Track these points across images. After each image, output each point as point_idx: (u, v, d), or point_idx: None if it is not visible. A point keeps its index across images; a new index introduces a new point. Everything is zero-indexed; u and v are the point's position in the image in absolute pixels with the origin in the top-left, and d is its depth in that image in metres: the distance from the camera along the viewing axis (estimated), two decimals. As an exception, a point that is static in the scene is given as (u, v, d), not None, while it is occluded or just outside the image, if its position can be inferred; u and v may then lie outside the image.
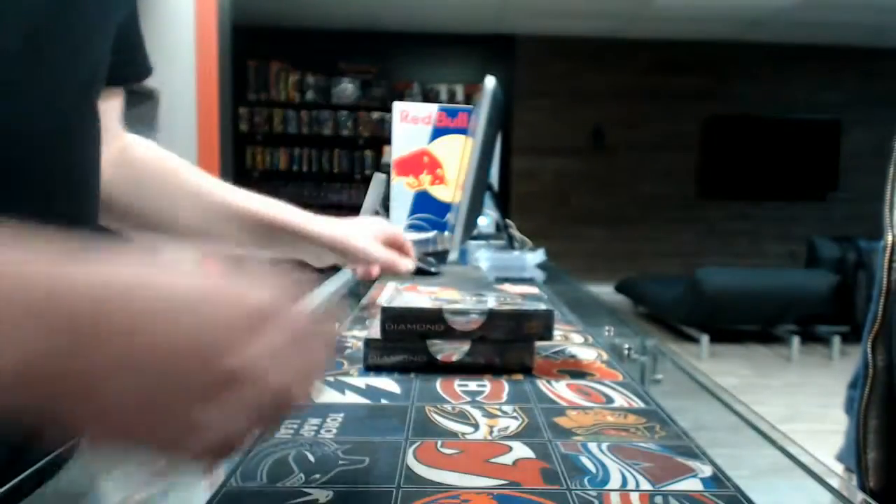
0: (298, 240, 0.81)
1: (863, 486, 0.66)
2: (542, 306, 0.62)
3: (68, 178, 0.51)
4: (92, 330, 0.27)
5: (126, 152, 0.71)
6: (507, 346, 0.61)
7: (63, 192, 0.51)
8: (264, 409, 0.29)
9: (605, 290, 6.06)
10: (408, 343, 0.61)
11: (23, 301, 0.26)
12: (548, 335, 0.61)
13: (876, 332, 0.66)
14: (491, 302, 0.63)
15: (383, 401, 0.53)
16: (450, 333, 0.60)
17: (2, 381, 0.25)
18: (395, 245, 0.90)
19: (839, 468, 0.77)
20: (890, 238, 0.65)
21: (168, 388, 0.27)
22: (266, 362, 0.29)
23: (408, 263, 0.89)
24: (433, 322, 0.60)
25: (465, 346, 0.61)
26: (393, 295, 0.68)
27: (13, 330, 0.25)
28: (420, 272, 0.98)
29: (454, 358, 0.61)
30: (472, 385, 0.56)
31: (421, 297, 0.67)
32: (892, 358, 0.65)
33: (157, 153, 0.75)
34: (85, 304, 0.27)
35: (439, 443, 0.44)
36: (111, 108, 0.66)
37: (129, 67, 0.63)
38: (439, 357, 0.61)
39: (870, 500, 0.38)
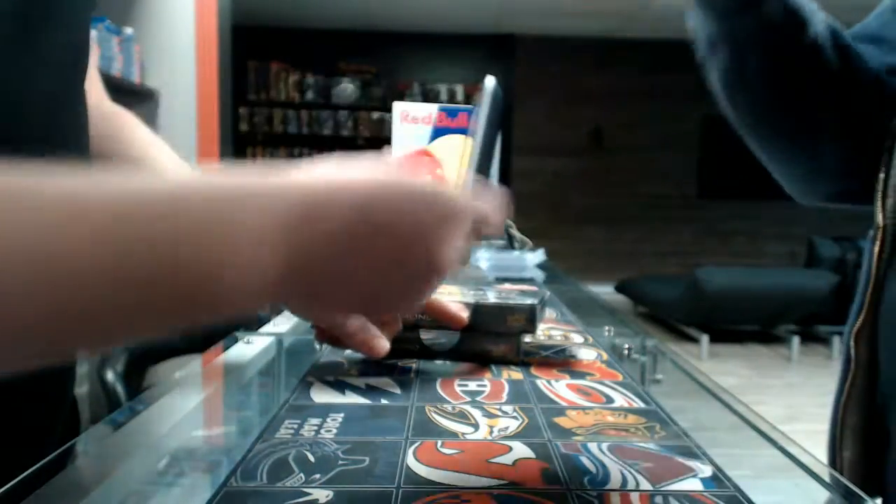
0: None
1: None
2: (528, 301, 0.62)
3: (65, 141, 0.50)
4: (361, 229, 0.31)
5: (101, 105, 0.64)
6: (495, 339, 0.62)
7: (58, 155, 0.49)
8: (437, 282, 0.36)
9: (605, 290, 6.06)
10: (403, 332, 0.63)
11: (283, 212, 0.29)
12: (531, 329, 0.62)
13: (860, 324, 0.62)
14: (479, 296, 0.64)
15: (383, 401, 0.53)
16: (440, 323, 0.62)
17: (268, 290, 0.29)
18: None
19: None
20: (881, 220, 0.61)
21: (403, 274, 0.33)
22: (456, 252, 0.35)
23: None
24: (423, 311, 0.62)
25: (455, 337, 0.63)
26: None
27: (273, 244, 0.28)
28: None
29: (446, 348, 0.63)
30: (472, 385, 0.56)
31: None
32: (878, 353, 0.61)
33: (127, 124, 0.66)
34: (346, 211, 0.30)
35: (439, 443, 0.44)
36: None
37: None
38: (431, 346, 0.63)
39: (869, 499, 0.38)
